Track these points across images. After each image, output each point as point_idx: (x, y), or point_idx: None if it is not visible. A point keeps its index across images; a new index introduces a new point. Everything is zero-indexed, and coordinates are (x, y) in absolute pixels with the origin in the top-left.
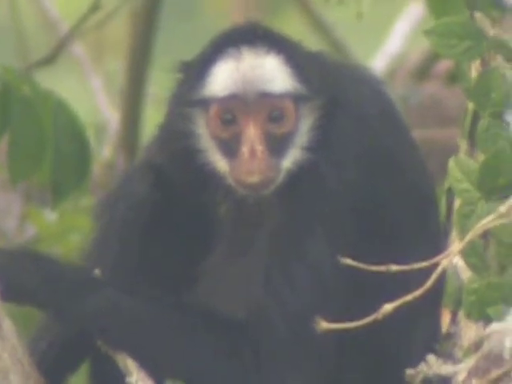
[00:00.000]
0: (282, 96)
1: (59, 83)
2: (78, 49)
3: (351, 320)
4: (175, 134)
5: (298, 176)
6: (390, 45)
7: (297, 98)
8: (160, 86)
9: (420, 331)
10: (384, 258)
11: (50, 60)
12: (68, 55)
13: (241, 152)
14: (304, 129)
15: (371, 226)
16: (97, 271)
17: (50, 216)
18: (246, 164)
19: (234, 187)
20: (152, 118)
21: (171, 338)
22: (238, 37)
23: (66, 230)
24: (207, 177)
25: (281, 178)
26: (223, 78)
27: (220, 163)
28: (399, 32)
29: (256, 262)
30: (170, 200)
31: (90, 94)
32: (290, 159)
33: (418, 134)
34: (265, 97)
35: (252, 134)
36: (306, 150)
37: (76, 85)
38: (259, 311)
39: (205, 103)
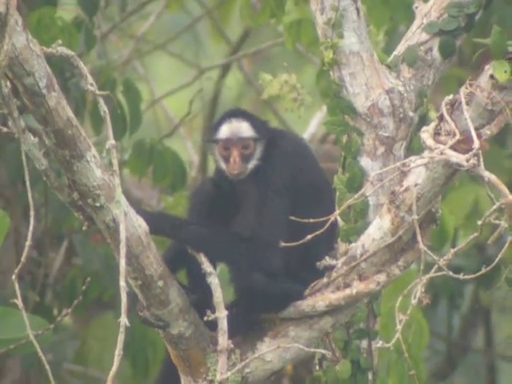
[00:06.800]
0: (248, 139)
1: (174, 144)
2: (182, 130)
3: (291, 238)
4: (216, 164)
5: (256, 170)
6: (310, 129)
7: (254, 139)
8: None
9: (324, 246)
10: (300, 211)
11: (169, 134)
12: (177, 132)
13: (230, 161)
14: (258, 152)
15: (295, 198)
16: (190, 219)
17: (170, 199)
18: (232, 166)
19: (228, 175)
20: (212, 160)
21: (223, 243)
22: (230, 113)
23: (177, 204)
24: (225, 176)
25: (248, 171)
26: (223, 131)
27: (223, 166)
28: (314, 123)
29: (250, 210)
30: (218, 190)
31: (186, 149)
32: (252, 164)
33: (324, 165)
34: (241, 139)
35: (235, 155)
36: (258, 160)
37: (180, 144)
38: (253, 231)
39: (217, 141)
